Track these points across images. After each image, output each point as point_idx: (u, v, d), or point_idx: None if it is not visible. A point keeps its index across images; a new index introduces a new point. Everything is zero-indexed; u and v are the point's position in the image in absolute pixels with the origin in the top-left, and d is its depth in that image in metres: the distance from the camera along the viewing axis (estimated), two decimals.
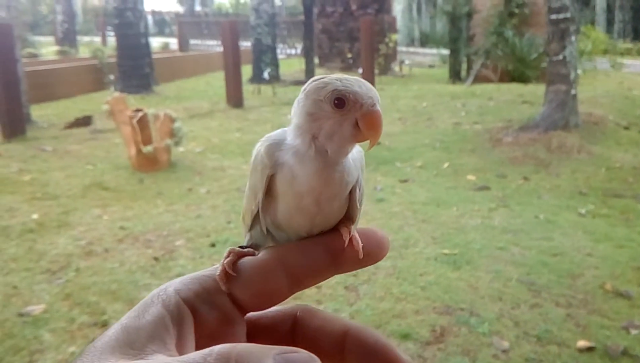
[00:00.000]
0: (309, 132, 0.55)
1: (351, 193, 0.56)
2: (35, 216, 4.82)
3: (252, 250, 0.55)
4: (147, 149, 6.19)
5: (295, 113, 0.57)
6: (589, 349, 2.91)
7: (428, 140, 7.92)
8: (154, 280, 3.66)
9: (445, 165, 6.71)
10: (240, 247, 0.56)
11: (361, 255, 0.51)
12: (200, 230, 4.52)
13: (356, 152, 0.57)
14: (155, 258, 4.00)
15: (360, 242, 0.52)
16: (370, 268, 3.81)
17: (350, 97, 0.54)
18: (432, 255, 4.06)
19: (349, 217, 0.57)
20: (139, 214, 4.93)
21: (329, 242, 0.53)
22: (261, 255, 0.52)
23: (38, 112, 9.77)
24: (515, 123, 8.28)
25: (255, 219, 0.58)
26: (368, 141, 0.56)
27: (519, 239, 4.38)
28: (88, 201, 5.30)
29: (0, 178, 5.99)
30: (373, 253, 0.53)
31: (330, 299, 3.39)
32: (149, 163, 6.29)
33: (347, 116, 0.54)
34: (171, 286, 0.47)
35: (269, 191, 0.56)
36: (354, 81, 0.55)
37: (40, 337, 2.99)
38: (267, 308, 0.52)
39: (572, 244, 4.30)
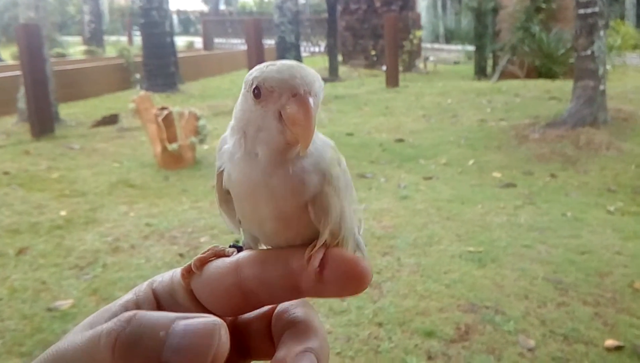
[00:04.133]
0: (240, 129, 0.48)
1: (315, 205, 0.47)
2: (63, 212, 4.91)
3: (234, 250, 0.48)
4: (172, 147, 6.25)
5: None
6: (617, 348, 2.86)
7: (453, 137, 7.85)
8: None
9: (470, 162, 6.64)
10: (232, 246, 0.49)
11: (313, 280, 0.44)
12: (223, 227, 4.53)
13: (321, 159, 0.48)
14: (181, 255, 4.04)
15: (316, 265, 0.43)
16: (394, 265, 3.81)
17: (265, 85, 0.45)
18: (456, 253, 4.02)
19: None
20: (165, 211, 4.98)
21: (291, 258, 0.45)
22: (229, 257, 0.47)
23: (66, 110, 9.94)
24: (542, 119, 8.16)
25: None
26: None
27: (545, 237, 4.32)
28: (115, 198, 5.37)
29: (29, 176, 6.11)
30: (340, 283, 0.44)
31: (353, 296, 3.38)
32: (174, 161, 6.35)
33: (268, 108, 0.45)
34: (150, 278, 0.48)
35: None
36: (279, 66, 0.46)
37: (69, 332, 3.03)
38: (230, 315, 0.47)
39: (600, 242, 4.22)
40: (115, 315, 0.41)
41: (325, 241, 0.47)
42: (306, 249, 0.45)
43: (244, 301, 0.45)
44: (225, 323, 0.37)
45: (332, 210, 0.47)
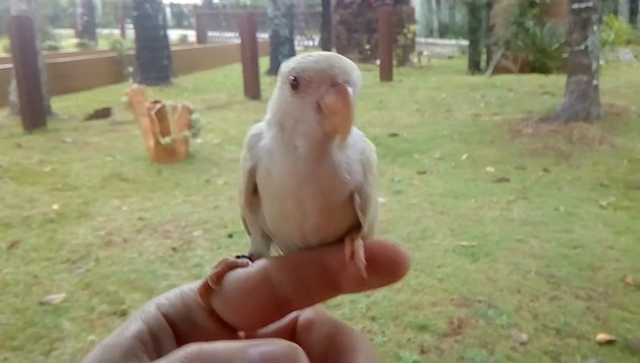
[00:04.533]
0: (277, 122, 0.47)
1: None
2: (55, 206, 4.88)
3: (246, 260, 0.47)
4: (165, 140, 6.23)
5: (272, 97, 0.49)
6: (609, 342, 2.87)
7: (446, 131, 7.85)
8: (173, 270, 3.69)
9: (464, 157, 6.65)
10: (238, 256, 0.48)
11: (364, 274, 0.42)
12: (217, 221, 4.54)
13: (359, 149, 0.48)
14: (174, 249, 4.02)
15: (362, 258, 0.42)
16: None
17: (303, 76, 0.45)
18: (449, 247, 4.03)
19: (358, 226, 0.47)
20: (158, 205, 4.96)
21: (326, 257, 0.44)
22: (250, 267, 0.45)
23: (58, 104, 9.87)
24: (535, 114, 8.18)
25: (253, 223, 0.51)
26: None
27: (538, 231, 4.33)
28: (107, 192, 5.35)
29: (21, 169, 6.08)
30: (385, 272, 0.43)
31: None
32: (167, 155, 6.33)
33: (306, 100, 0.45)
34: (154, 302, 0.44)
35: (255, 190, 0.49)
36: (316, 57, 0.45)
37: (61, 326, 3.03)
38: (257, 328, 0.46)
39: (592, 236, 4.24)
40: (130, 349, 0.39)
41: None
42: (338, 245, 0.45)
43: (276, 309, 0.44)
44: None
45: (373, 199, 0.48)
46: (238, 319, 0.44)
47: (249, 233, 0.52)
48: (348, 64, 0.45)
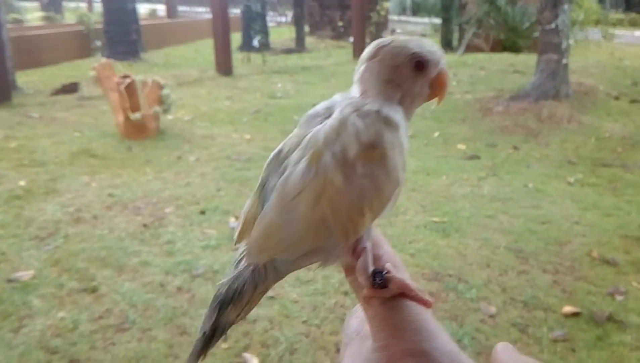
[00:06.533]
0: (393, 99, 0.55)
1: None
2: (22, 182, 4.78)
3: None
4: (135, 116, 6.12)
5: (365, 80, 0.56)
6: (575, 314, 2.95)
7: (419, 109, 7.84)
8: (144, 246, 3.65)
9: (436, 134, 6.70)
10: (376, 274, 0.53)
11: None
12: (189, 198, 4.50)
13: None
14: (145, 225, 3.98)
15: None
16: None
17: (431, 59, 0.56)
18: (421, 223, 4.07)
19: None
20: (128, 181, 4.89)
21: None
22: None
23: (23, 78, 9.60)
24: (506, 93, 8.26)
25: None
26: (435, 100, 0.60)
27: (507, 207, 4.41)
28: (76, 168, 5.25)
29: None
30: None
31: None
32: (137, 131, 6.23)
33: (425, 78, 0.56)
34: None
35: None
36: (425, 42, 0.57)
37: (30, 303, 2.98)
38: None
39: (560, 212, 4.33)
40: None
41: None
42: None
43: None
44: None
45: None
46: None
47: (355, 235, 0.53)
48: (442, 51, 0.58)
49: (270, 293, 3.11)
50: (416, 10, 26.51)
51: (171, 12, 23.67)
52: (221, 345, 2.65)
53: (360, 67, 0.57)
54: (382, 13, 16.85)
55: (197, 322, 2.82)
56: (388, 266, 0.52)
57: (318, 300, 3.04)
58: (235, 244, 0.54)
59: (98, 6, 17.85)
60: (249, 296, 0.50)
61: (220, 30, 10.92)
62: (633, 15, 24.29)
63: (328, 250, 0.51)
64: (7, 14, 10.43)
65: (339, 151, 0.48)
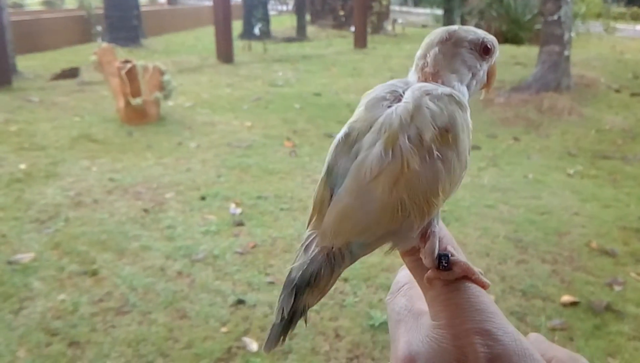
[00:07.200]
0: (464, 81, 0.56)
1: None
2: (22, 166, 4.77)
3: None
4: (136, 101, 6.11)
5: (438, 62, 0.56)
6: (573, 304, 2.97)
7: None
8: (144, 231, 3.66)
9: None
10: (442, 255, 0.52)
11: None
12: (190, 183, 4.51)
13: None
14: (145, 210, 3.99)
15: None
16: None
17: (495, 45, 0.58)
18: None
19: None
20: (128, 166, 4.89)
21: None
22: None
23: (24, 63, 9.57)
24: (507, 84, 8.25)
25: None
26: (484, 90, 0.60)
27: (507, 197, 4.42)
28: (76, 152, 5.24)
29: None
30: None
31: None
32: (138, 116, 6.21)
33: (486, 65, 0.58)
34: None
35: None
36: (484, 32, 0.58)
37: (30, 285, 2.99)
38: None
39: (559, 203, 4.34)
40: None
41: None
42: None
43: None
44: None
45: None
46: None
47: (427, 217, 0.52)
48: None
49: (269, 278, 3.13)
50: (418, 1, 26.41)
51: None
52: (221, 330, 2.67)
53: (429, 50, 0.57)
54: (384, 3, 16.81)
55: (197, 306, 2.85)
56: (450, 249, 0.52)
57: None
58: (307, 229, 0.54)
59: None
60: (326, 280, 0.50)
61: (222, 17, 10.87)
62: (635, 9, 24.22)
63: (402, 233, 0.51)
64: None
65: (415, 135, 0.48)
